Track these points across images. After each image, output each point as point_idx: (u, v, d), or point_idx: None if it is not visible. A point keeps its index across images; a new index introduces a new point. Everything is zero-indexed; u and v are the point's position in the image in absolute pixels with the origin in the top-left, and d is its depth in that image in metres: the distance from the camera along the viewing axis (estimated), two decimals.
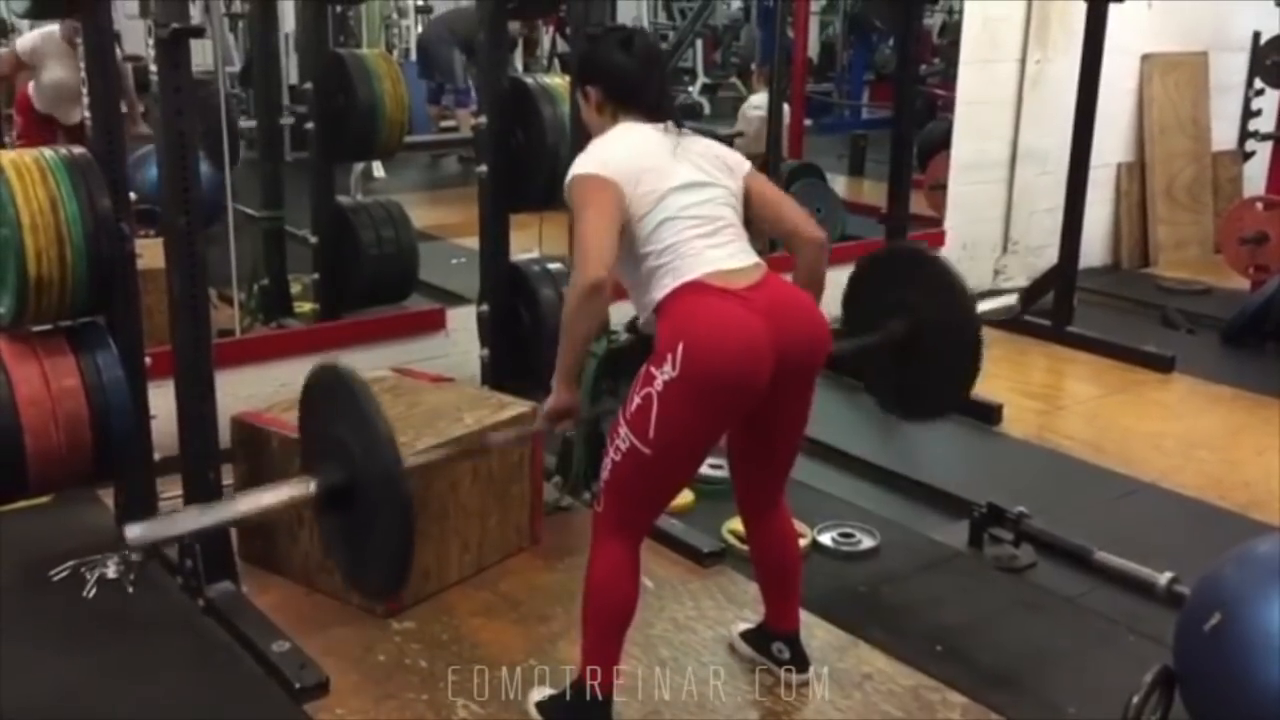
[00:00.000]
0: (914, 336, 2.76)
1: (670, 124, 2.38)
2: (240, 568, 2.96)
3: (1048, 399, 4.66)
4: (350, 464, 2.26)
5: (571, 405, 2.39)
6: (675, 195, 2.28)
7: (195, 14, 3.26)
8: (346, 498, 2.27)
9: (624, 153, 2.30)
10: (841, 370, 2.80)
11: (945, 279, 2.75)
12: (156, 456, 3.16)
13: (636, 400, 2.21)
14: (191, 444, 2.86)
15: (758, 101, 7.86)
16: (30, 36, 5.17)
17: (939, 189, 5.92)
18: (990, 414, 4.25)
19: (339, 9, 6.47)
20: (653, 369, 2.19)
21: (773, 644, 2.64)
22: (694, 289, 2.22)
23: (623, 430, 2.23)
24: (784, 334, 2.22)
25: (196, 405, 2.84)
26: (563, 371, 2.33)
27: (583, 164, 2.29)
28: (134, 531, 2.24)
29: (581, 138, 2.53)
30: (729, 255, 2.28)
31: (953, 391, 2.75)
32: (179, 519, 2.47)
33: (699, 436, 2.28)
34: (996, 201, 5.90)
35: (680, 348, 2.16)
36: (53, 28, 5.01)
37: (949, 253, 5.73)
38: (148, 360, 3.11)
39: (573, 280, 2.21)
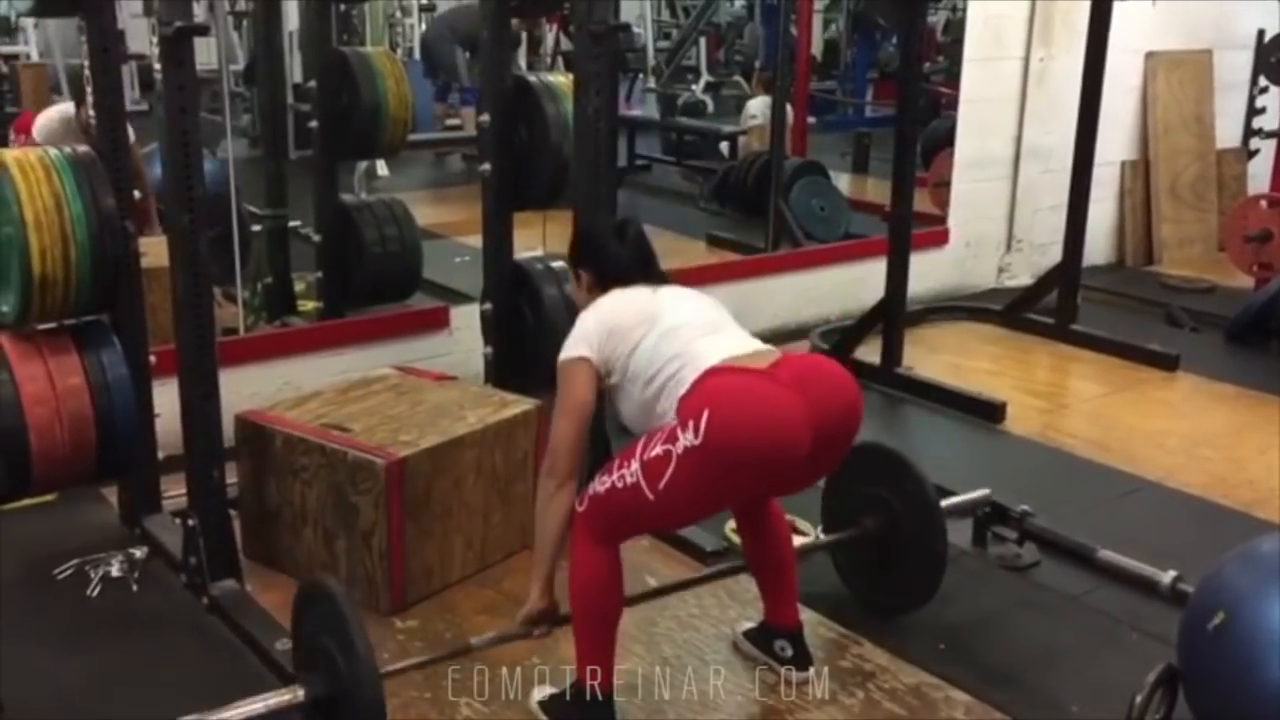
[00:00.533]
0: (887, 534, 2.84)
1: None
2: (244, 565, 2.96)
3: (1051, 397, 4.65)
4: (335, 676, 2.21)
5: (549, 609, 2.43)
6: (669, 314, 2.36)
7: (199, 12, 3.26)
8: (332, 708, 2.23)
9: (609, 307, 2.40)
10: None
11: (913, 480, 2.82)
12: (160, 455, 3.17)
13: (657, 449, 2.18)
14: (195, 442, 2.86)
15: (754, 110, 7.87)
16: (47, 121, 4.91)
17: (943, 187, 5.91)
18: (994, 412, 4.25)
19: (343, 7, 6.46)
20: (677, 430, 2.16)
21: (775, 642, 2.64)
22: (714, 373, 2.22)
23: (634, 466, 2.20)
24: (820, 403, 2.21)
25: (200, 404, 2.84)
26: (539, 574, 2.41)
27: (570, 346, 2.38)
28: None
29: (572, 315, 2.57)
30: (740, 344, 2.32)
31: (922, 590, 2.83)
32: None
33: (711, 501, 2.31)
34: (1000, 199, 5.90)
35: (705, 415, 2.12)
36: (68, 112, 4.81)
37: (953, 250, 5.75)
38: (152, 358, 3.11)
39: (543, 480, 2.34)
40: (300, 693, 2.24)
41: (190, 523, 2.86)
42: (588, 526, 2.31)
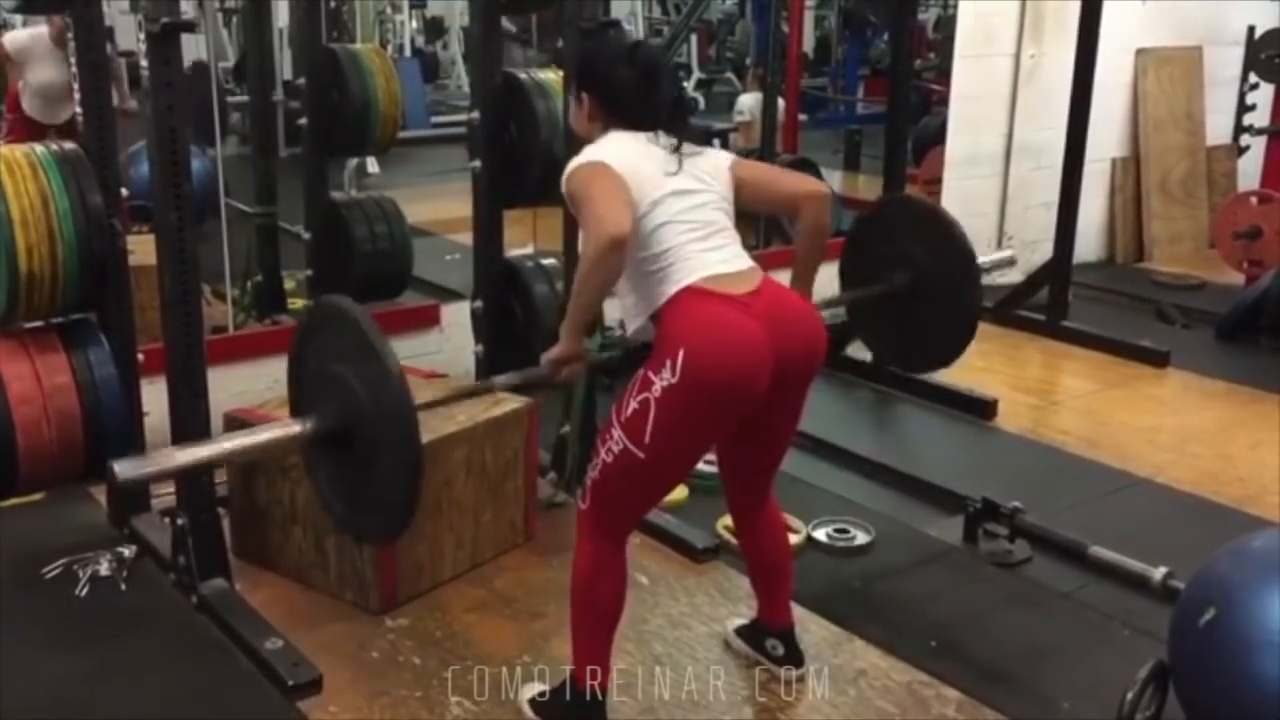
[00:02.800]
0: (914, 288, 2.73)
1: (661, 134, 2.34)
2: (233, 564, 2.95)
3: (1042, 394, 4.66)
4: (352, 402, 2.17)
5: (576, 353, 2.36)
6: (669, 200, 2.27)
7: (189, 9, 3.25)
8: (344, 439, 2.19)
9: (618, 158, 2.28)
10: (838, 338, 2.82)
11: (945, 230, 2.70)
12: None
13: (633, 405, 2.18)
14: (184, 440, 2.84)
15: (744, 106, 7.86)
16: (19, 35, 5.14)
17: (934, 184, 5.91)
18: (985, 409, 4.25)
19: (333, 4, 6.46)
20: (650, 374, 2.17)
21: (767, 640, 2.63)
22: (693, 295, 2.21)
23: (616, 433, 2.21)
24: (783, 340, 2.21)
25: (189, 402, 2.83)
26: (571, 324, 2.29)
27: (582, 157, 2.28)
28: (121, 468, 2.21)
29: (573, 139, 2.51)
30: (726, 259, 2.28)
31: (952, 343, 2.72)
32: (167, 457, 2.36)
33: (695, 442, 2.28)
34: (991, 196, 5.90)
35: (681, 354, 2.13)
36: (41, 29, 4.98)
37: None
38: (140, 357, 3.10)
39: (591, 235, 2.14)
40: (308, 424, 2.25)
41: (179, 522, 2.85)
42: (593, 520, 2.31)
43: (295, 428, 2.25)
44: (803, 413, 2.42)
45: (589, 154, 2.29)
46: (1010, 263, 3.12)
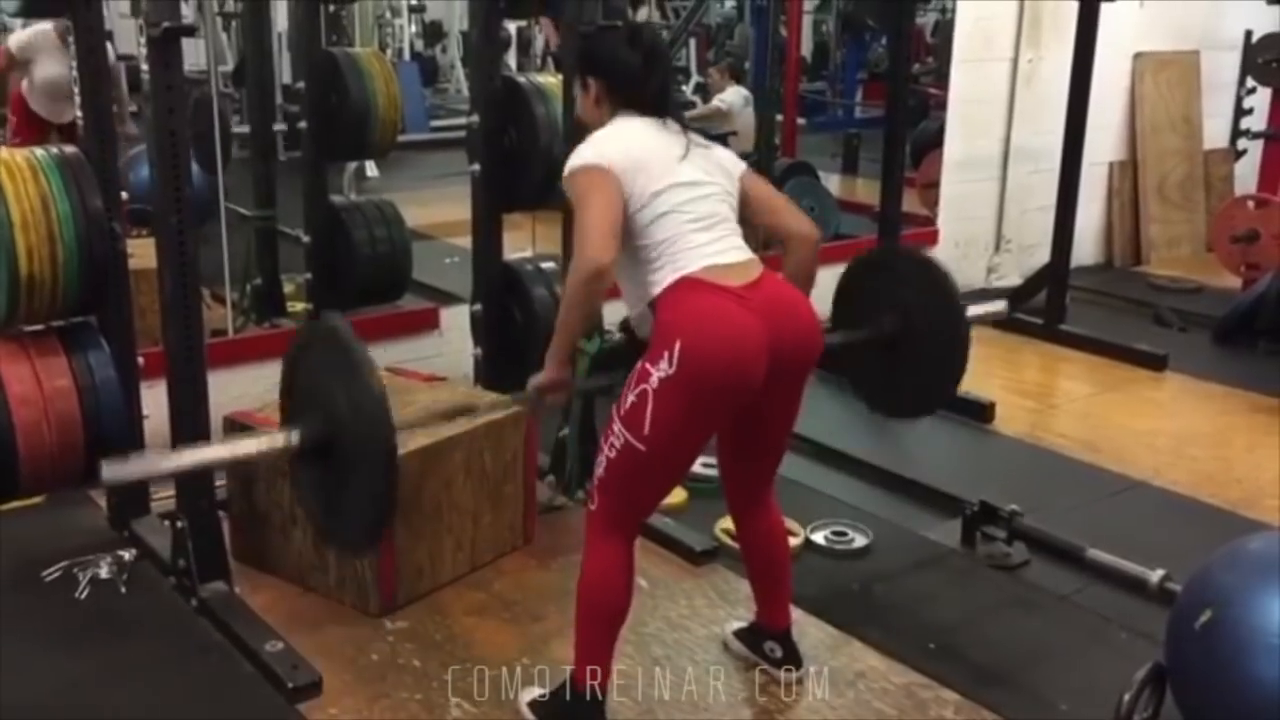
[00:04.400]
0: (903, 334, 2.77)
1: (670, 120, 2.37)
2: (233, 567, 2.96)
3: (1040, 397, 4.67)
4: (335, 416, 2.21)
5: (563, 379, 2.38)
6: (673, 191, 2.29)
7: (188, 13, 3.26)
8: (328, 449, 2.23)
9: (623, 146, 2.30)
10: (827, 367, 2.82)
11: (936, 280, 2.75)
12: None
13: (631, 398, 2.21)
14: (183, 444, 2.85)
15: (716, 102, 7.88)
16: (24, 33, 5.16)
17: (932, 187, 5.92)
18: (983, 412, 4.26)
19: (332, 8, 6.46)
20: (648, 366, 2.19)
21: (765, 643, 2.64)
22: (691, 286, 2.23)
23: (617, 427, 2.23)
24: (779, 333, 2.23)
25: (189, 405, 2.83)
26: (556, 350, 2.33)
27: (582, 155, 2.29)
28: (108, 470, 2.22)
29: (575, 133, 2.52)
30: (725, 251, 2.29)
31: (939, 391, 2.76)
32: (154, 461, 2.41)
33: (694, 433, 2.29)
34: (989, 200, 5.92)
35: (677, 345, 2.16)
36: (46, 25, 4.99)
37: (942, 251, 5.75)
38: (140, 360, 3.11)
39: (575, 263, 2.21)
40: (294, 435, 2.27)
41: (179, 525, 2.86)
42: (602, 518, 2.32)
43: (281, 439, 2.27)
44: (799, 409, 2.43)
45: (596, 146, 2.30)
46: (1003, 315, 3.17)
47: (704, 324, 2.19)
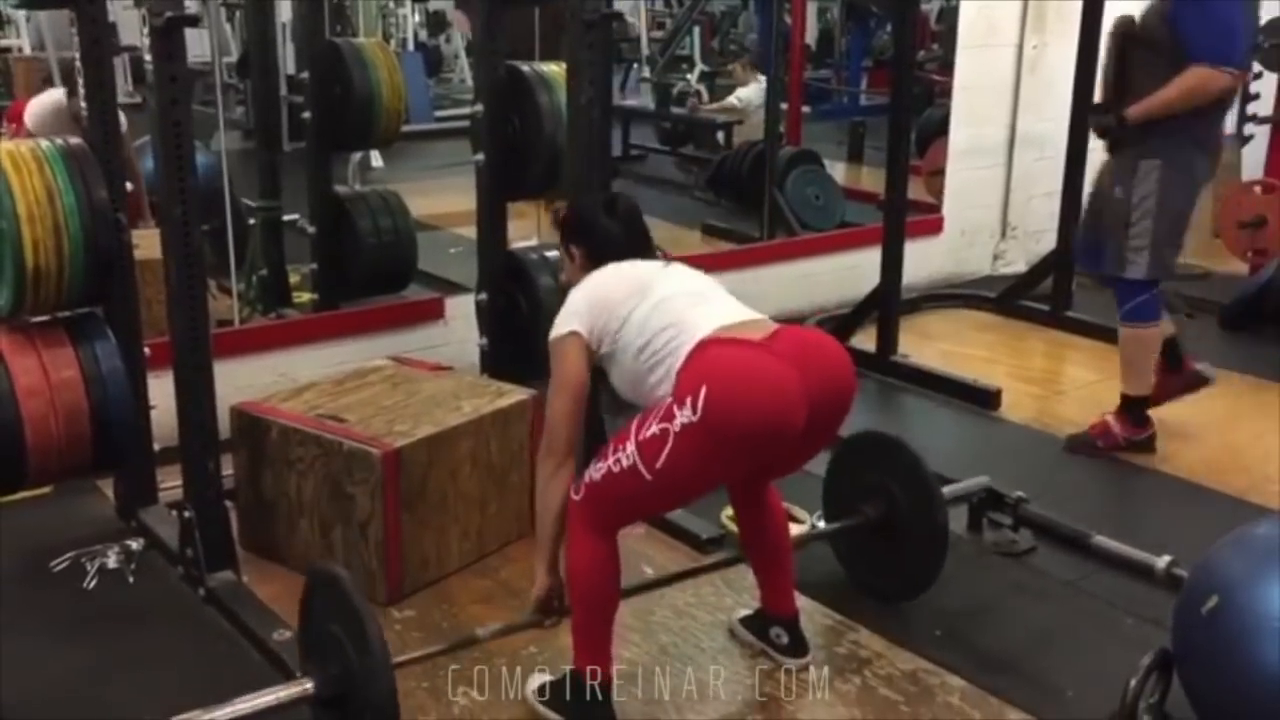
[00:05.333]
0: (888, 521, 2.84)
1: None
2: (241, 557, 2.97)
3: (1046, 384, 4.66)
4: (345, 666, 2.19)
5: (555, 586, 2.42)
6: (660, 285, 2.35)
7: (191, 3, 3.25)
8: (340, 702, 2.20)
9: (598, 280, 2.39)
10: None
11: (912, 466, 2.84)
12: (156, 447, 3.18)
13: (653, 428, 2.15)
14: (191, 434, 2.86)
15: (732, 99, 7.85)
16: (39, 109, 4.79)
17: (938, 175, 5.91)
18: (989, 399, 4.26)
19: None
20: (674, 407, 2.13)
21: (771, 629, 2.65)
22: (711, 344, 2.19)
23: (630, 447, 2.18)
24: (815, 378, 2.18)
25: (195, 396, 2.84)
26: (542, 555, 2.40)
27: (561, 322, 2.36)
28: None
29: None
30: (732, 313, 2.30)
31: (924, 574, 2.84)
32: None
33: (709, 479, 2.30)
34: (995, 187, 5.90)
35: (703, 391, 2.09)
36: (61, 100, 4.70)
37: (947, 238, 5.76)
38: (146, 351, 3.12)
39: (541, 461, 2.35)
40: (309, 685, 2.22)
41: (186, 514, 2.87)
42: (585, 514, 2.30)
43: (297, 689, 2.24)
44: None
45: (571, 303, 2.37)
46: (984, 490, 3.24)
47: (731, 372, 2.14)
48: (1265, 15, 5.90)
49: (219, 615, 2.79)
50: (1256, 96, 6.10)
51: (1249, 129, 6.20)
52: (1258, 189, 5.77)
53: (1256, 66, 6.04)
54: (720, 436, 2.11)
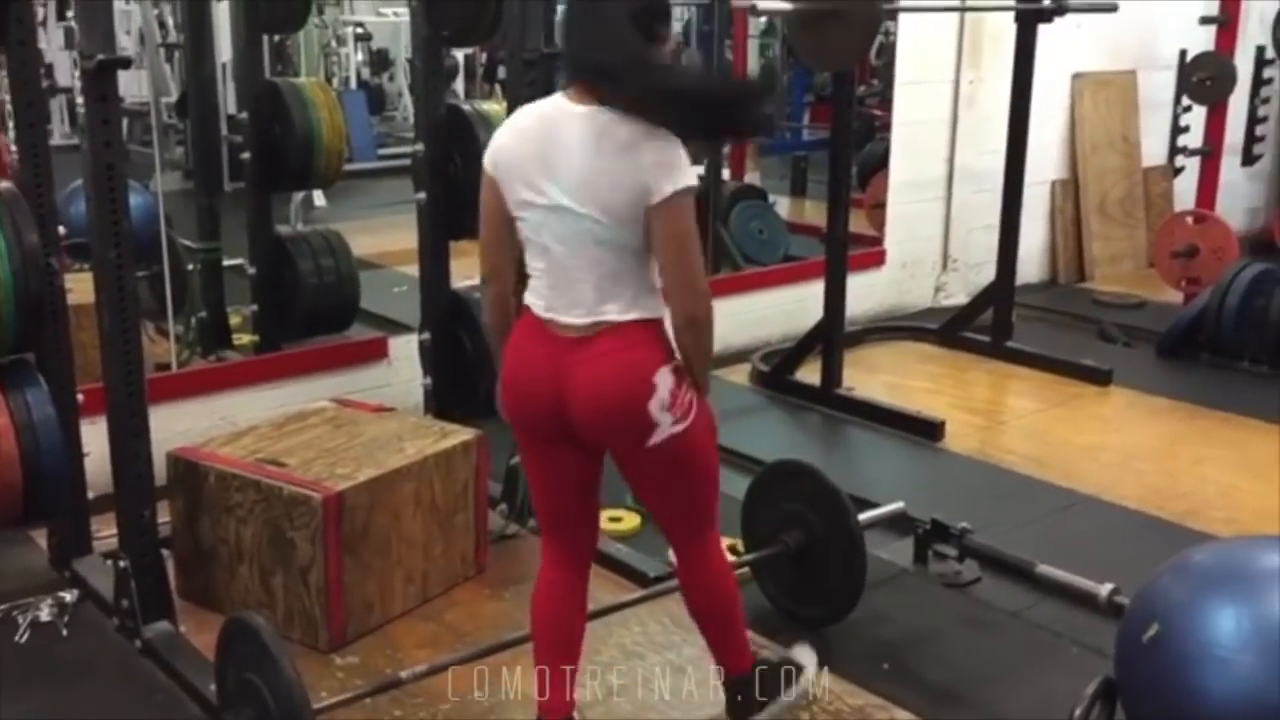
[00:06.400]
0: (807, 547, 2.88)
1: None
2: (179, 606, 2.91)
3: (989, 414, 4.71)
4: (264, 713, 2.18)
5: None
6: (553, 223, 2.23)
7: (128, 44, 3.22)
8: None
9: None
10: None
11: (828, 494, 2.89)
12: (90, 495, 3.11)
13: None
14: (126, 482, 2.81)
15: None
16: None
17: (879, 208, 5.98)
18: (932, 430, 4.29)
19: (276, 38, 6.43)
20: None
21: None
22: (520, 323, 2.23)
23: None
24: (567, 393, 2.12)
25: (130, 442, 2.78)
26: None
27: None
28: None
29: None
30: (570, 308, 2.17)
31: (845, 599, 2.89)
32: None
33: (530, 465, 2.31)
34: (935, 220, 5.98)
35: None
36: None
37: (889, 271, 5.82)
38: (80, 397, 3.05)
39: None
40: None
41: (121, 564, 2.81)
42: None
43: None
44: (673, 486, 2.26)
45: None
46: (902, 513, 3.29)
47: (505, 362, 2.27)
48: (1193, 50, 6.08)
49: (156, 667, 2.73)
50: (1187, 129, 6.26)
51: (1180, 161, 6.35)
52: (1190, 219, 5.90)
53: (1185, 100, 6.21)
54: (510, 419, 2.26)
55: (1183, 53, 6.21)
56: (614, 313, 2.10)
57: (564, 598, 2.34)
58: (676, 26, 11.44)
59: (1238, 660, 2.08)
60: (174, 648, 2.75)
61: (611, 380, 2.11)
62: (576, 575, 2.36)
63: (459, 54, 8.83)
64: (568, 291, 2.13)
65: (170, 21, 7.25)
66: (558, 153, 2.08)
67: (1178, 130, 6.36)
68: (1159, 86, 6.56)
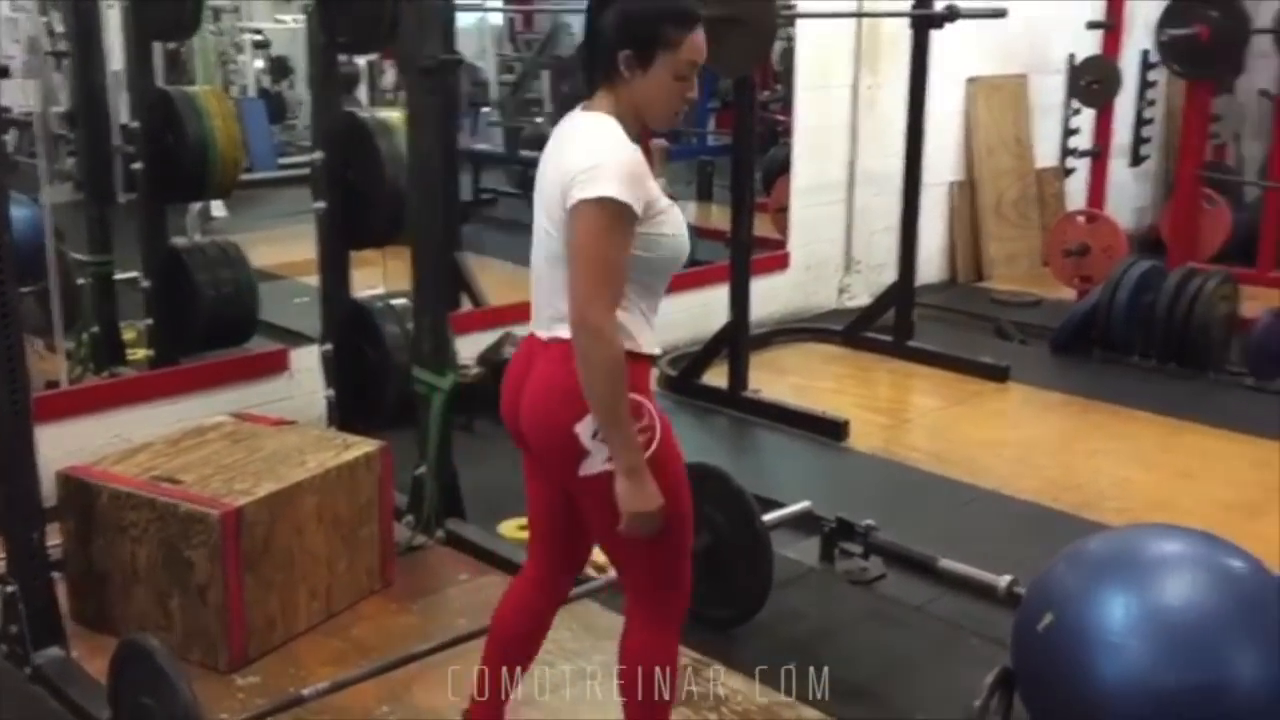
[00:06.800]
0: (714, 548, 2.90)
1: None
2: (72, 630, 2.81)
3: (892, 413, 4.79)
4: None
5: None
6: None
7: (16, 52, 3.12)
8: None
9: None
10: None
11: (734, 495, 2.92)
12: None
13: None
14: (11, 504, 2.70)
15: None
16: None
17: (784, 212, 6.05)
18: (838, 430, 4.35)
19: (169, 45, 6.27)
20: None
21: None
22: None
23: None
24: (515, 395, 2.12)
25: (16, 463, 2.68)
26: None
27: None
28: None
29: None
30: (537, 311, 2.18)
31: (753, 598, 2.93)
32: None
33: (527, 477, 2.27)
34: (837, 222, 6.08)
35: None
36: None
37: (794, 273, 5.89)
38: None
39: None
40: None
41: (9, 589, 2.70)
42: None
43: None
44: (609, 533, 2.03)
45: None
46: (808, 513, 3.38)
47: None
48: (1081, 55, 6.27)
49: (47, 694, 2.64)
50: (1076, 131, 6.44)
51: (1070, 162, 6.53)
52: (1081, 219, 6.08)
53: (1075, 103, 6.39)
54: None
55: (1071, 56, 6.40)
56: (564, 329, 1.99)
57: (522, 610, 2.28)
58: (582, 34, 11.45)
59: (1128, 645, 2.13)
60: (66, 674, 2.66)
61: (544, 394, 2.04)
62: (540, 595, 2.26)
63: (361, 60, 8.71)
64: (536, 303, 2.13)
65: (59, 28, 7.05)
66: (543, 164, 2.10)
67: (1068, 132, 6.54)
68: (1050, 90, 6.75)
